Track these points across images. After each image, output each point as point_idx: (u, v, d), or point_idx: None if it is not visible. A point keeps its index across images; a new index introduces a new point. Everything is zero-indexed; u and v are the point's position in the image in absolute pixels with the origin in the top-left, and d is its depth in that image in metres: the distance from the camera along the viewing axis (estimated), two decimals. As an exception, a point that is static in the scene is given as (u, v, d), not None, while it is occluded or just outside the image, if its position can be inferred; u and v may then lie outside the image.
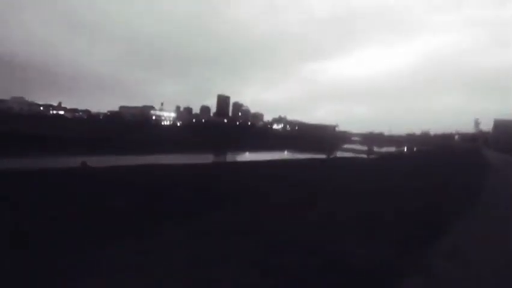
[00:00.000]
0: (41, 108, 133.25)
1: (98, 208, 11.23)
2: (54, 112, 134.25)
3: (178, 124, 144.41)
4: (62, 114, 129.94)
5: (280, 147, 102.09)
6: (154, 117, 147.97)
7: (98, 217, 10.07)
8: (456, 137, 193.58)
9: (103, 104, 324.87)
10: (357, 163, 43.65)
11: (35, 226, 8.56)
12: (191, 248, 6.99)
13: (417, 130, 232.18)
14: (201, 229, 8.73)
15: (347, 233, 8.27)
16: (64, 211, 10.44)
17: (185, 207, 11.88)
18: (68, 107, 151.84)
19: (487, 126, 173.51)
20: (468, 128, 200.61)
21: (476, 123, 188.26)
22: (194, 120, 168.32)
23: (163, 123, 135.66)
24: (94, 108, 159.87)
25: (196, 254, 6.50)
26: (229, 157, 68.06)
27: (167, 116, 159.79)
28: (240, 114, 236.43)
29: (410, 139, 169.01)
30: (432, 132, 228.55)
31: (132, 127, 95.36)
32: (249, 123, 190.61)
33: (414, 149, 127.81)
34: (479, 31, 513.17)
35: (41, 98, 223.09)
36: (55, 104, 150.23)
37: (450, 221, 9.94)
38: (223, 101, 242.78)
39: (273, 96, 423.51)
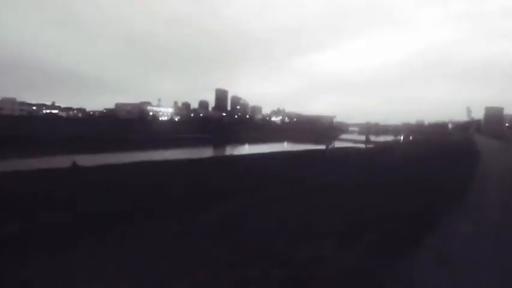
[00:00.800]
0: (34, 108, 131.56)
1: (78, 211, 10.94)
2: (48, 111, 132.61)
3: (176, 119, 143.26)
4: (56, 113, 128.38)
5: (279, 139, 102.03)
6: (151, 113, 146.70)
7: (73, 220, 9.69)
8: (449, 125, 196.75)
9: (99, 101, 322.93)
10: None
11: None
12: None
13: (412, 119, 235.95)
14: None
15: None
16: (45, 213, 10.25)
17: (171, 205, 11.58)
18: (63, 105, 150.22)
19: (479, 114, 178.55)
20: (461, 116, 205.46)
21: (468, 112, 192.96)
22: (192, 115, 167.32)
23: (160, 119, 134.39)
24: (90, 106, 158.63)
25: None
26: (228, 150, 67.42)
27: (165, 112, 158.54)
28: (238, 107, 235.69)
29: (405, 128, 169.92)
30: (426, 121, 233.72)
31: (127, 124, 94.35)
32: (247, 116, 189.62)
33: (410, 137, 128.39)
34: (468, 24, 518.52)
35: (35, 97, 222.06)
36: (49, 103, 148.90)
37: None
38: (221, 95, 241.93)
39: (271, 90, 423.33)
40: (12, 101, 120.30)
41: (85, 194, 14.02)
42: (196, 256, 6.47)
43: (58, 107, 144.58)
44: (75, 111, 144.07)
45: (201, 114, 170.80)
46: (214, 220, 9.43)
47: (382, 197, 12.55)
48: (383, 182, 16.34)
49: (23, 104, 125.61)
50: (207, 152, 48.19)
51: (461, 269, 6.10)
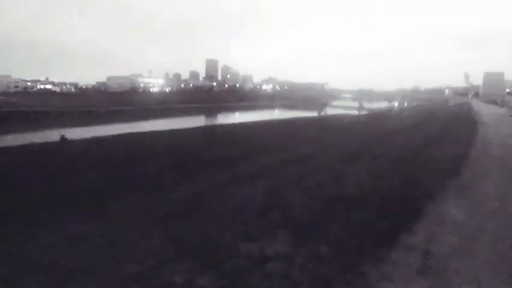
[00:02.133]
0: (28, 83, 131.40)
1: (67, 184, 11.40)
2: (42, 87, 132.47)
3: (167, 90, 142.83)
4: (49, 89, 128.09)
5: (270, 107, 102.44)
6: (142, 85, 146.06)
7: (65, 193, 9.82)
8: (446, 91, 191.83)
9: (92, 75, 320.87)
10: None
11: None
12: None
13: (407, 86, 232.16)
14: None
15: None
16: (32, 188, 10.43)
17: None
18: (56, 81, 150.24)
19: (477, 80, 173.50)
20: (458, 82, 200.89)
21: (467, 77, 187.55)
22: (183, 86, 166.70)
23: (151, 91, 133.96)
24: (83, 81, 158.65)
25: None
26: (218, 120, 67.82)
27: (156, 83, 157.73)
28: (228, 77, 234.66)
29: (400, 94, 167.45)
30: (422, 87, 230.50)
31: (118, 96, 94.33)
32: (237, 85, 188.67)
33: (405, 104, 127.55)
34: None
35: (30, 74, 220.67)
36: (43, 79, 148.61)
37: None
38: (211, 65, 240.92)
39: (262, 59, 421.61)
40: (7, 78, 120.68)
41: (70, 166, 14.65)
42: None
43: (52, 83, 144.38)
44: (68, 86, 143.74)
45: (191, 85, 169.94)
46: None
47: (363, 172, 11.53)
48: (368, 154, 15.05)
49: (18, 81, 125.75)
50: (197, 122, 48.55)
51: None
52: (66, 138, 28.57)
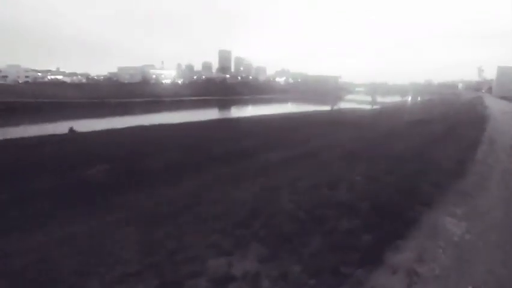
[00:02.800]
0: (39, 74, 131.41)
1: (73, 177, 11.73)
2: (52, 77, 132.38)
3: (180, 82, 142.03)
4: (60, 79, 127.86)
5: (283, 100, 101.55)
6: (154, 76, 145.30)
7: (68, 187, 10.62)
8: (460, 85, 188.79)
9: (103, 66, 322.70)
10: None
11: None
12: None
13: (421, 79, 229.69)
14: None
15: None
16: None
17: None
18: (67, 71, 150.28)
19: (491, 74, 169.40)
20: (472, 76, 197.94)
21: (480, 71, 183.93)
22: (195, 77, 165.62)
23: (163, 82, 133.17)
24: (94, 71, 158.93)
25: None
26: (230, 113, 67.07)
27: (168, 75, 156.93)
28: (241, 69, 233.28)
29: (413, 88, 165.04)
30: (436, 81, 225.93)
31: (129, 88, 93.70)
32: (251, 77, 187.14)
33: (418, 98, 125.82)
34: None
35: (41, 64, 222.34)
36: (54, 69, 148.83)
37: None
38: (224, 56, 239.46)
39: (276, 51, 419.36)
40: (16, 68, 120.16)
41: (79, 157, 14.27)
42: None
43: (63, 73, 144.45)
44: (79, 77, 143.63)
45: (203, 77, 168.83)
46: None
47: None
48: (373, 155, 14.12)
49: (28, 70, 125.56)
50: (208, 115, 47.77)
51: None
52: (74, 130, 28.11)
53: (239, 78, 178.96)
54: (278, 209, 7.24)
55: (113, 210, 8.58)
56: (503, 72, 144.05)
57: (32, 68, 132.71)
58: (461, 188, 8.91)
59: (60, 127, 30.88)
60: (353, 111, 52.27)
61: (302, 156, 14.09)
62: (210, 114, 51.48)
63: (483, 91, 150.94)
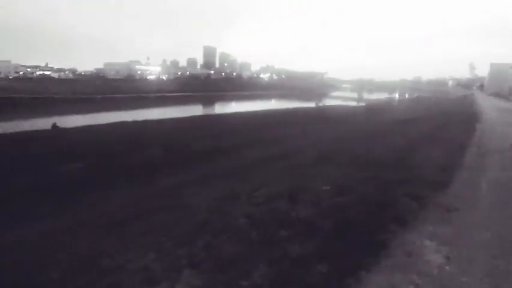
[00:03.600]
0: (28, 69, 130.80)
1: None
2: (40, 73, 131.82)
3: (164, 78, 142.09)
4: (48, 75, 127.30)
5: (267, 97, 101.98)
6: (139, 72, 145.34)
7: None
8: (450, 82, 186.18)
9: (91, 62, 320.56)
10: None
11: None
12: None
13: (409, 76, 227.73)
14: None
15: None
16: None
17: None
18: (56, 67, 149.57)
19: (483, 71, 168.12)
20: (463, 73, 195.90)
21: (471, 68, 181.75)
22: (179, 73, 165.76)
23: (148, 78, 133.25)
24: (82, 67, 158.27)
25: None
26: (213, 109, 67.73)
27: (153, 70, 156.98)
28: (226, 64, 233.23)
29: (401, 85, 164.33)
30: (425, 78, 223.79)
31: (114, 83, 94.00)
32: (234, 74, 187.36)
33: (406, 95, 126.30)
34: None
35: (30, 60, 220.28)
36: (43, 65, 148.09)
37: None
38: (209, 52, 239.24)
39: (261, 47, 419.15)
40: (7, 64, 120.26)
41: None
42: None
43: (51, 69, 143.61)
44: (66, 72, 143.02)
45: (188, 72, 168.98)
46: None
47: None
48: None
49: (17, 66, 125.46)
50: (189, 111, 48.43)
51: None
52: (58, 126, 28.68)
53: (223, 74, 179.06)
54: (228, 225, 6.51)
55: (71, 212, 8.37)
56: (496, 69, 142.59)
57: (23, 64, 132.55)
58: (444, 202, 7.82)
59: (45, 123, 31.27)
60: (337, 108, 52.60)
61: (275, 158, 13.62)
62: (192, 110, 52.05)
63: (474, 88, 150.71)
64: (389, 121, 28.80)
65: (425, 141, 16.66)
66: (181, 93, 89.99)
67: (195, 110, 55.15)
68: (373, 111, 44.94)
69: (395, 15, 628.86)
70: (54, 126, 28.66)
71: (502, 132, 21.42)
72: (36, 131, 26.00)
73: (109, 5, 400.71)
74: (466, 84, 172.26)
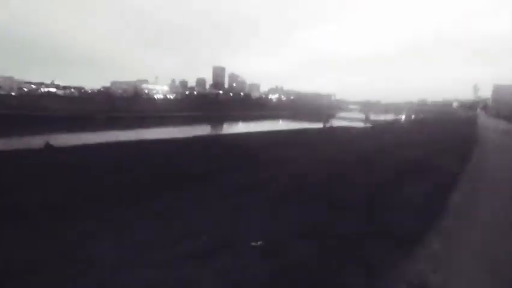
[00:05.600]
0: (33, 86, 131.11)
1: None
2: (45, 90, 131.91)
3: (172, 97, 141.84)
4: (52, 92, 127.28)
5: (275, 117, 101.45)
6: (146, 91, 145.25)
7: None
8: (454, 104, 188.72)
9: (99, 80, 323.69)
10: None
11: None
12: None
13: (415, 98, 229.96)
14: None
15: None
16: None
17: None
18: (62, 84, 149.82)
19: (487, 92, 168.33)
20: (467, 94, 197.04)
21: (475, 90, 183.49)
22: (187, 93, 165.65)
23: (155, 97, 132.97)
24: (89, 85, 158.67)
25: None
26: (218, 129, 66.64)
27: (160, 90, 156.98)
28: (234, 85, 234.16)
29: (407, 107, 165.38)
30: (430, 99, 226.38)
31: (120, 102, 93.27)
32: (242, 94, 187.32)
33: (412, 116, 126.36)
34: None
35: (38, 77, 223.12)
36: (48, 82, 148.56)
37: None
38: (218, 72, 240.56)
39: (270, 68, 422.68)
40: (10, 80, 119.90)
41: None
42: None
43: (57, 86, 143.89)
44: (72, 90, 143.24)
45: (195, 92, 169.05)
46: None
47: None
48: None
49: (21, 82, 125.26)
50: (193, 131, 47.11)
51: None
52: (51, 145, 27.31)
53: (231, 94, 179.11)
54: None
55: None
56: (499, 90, 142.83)
57: (29, 80, 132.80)
58: (413, 270, 5.88)
59: (40, 141, 30.14)
60: (342, 129, 51.79)
61: (250, 187, 11.62)
62: (196, 130, 50.81)
63: (478, 110, 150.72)
64: (385, 144, 26.88)
65: (413, 171, 14.69)
66: (187, 113, 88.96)
67: (199, 130, 53.80)
68: (374, 132, 44.76)
69: (397, 35, 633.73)
70: (47, 145, 27.39)
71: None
72: (27, 150, 24.81)
73: (119, 24, 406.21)
74: (470, 106, 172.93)
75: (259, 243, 6.76)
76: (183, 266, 5.87)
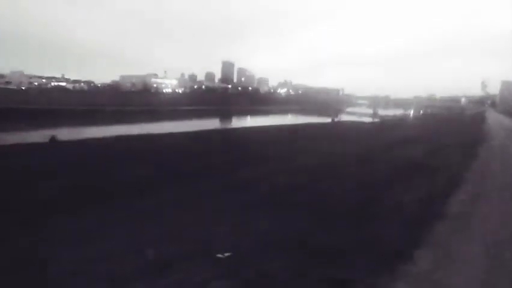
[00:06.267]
0: (43, 80, 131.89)
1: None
2: (55, 84, 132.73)
3: (180, 91, 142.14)
4: (62, 86, 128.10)
5: (283, 112, 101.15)
6: (155, 85, 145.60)
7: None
8: (463, 99, 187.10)
9: (110, 74, 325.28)
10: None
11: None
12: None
13: (424, 93, 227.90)
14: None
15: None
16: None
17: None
18: (72, 78, 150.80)
19: (495, 88, 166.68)
20: (475, 90, 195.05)
21: (484, 86, 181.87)
22: (196, 87, 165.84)
23: (164, 91, 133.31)
24: (100, 79, 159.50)
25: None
26: (226, 123, 66.50)
27: (169, 84, 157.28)
28: (243, 79, 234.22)
29: (416, 102, 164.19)
30: (438, 95, 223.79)
31: (128, 95, 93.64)
32: (250, 88, 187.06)
33: (421, 112, 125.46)
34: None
35: (48, 71, 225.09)
36: (59, 76, 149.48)
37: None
38: (227, 67, 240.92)
39: (279, 62, 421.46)
40: (20, 74, 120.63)
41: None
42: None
43: (67, 80, 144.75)
44: (82, 84, 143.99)
45: (203, 87, 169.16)
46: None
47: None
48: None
49: (32, 77, 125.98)
50: (200, 125, 47.07)
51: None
52: (55, 139, 27.47)
53: (239, 89, 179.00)
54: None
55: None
56: (507, 86, 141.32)
57: (38, 74, 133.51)
58: None
59: (47, 134, 30.26)
60: (349, 124, 51.68)
61: (242, 186, 11.13)
62: (203, 124, 50.77)
63: (486, 106, 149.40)
64: (390, 140, 26.36)
65: (414, 169, 13.98)
66: (195, 107, 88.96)
67: (206, 124, 53.79)
68: (384, 128, 44.63)
69: (409, 29, 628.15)
70: (52, 138, 27.56)
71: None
72: (32, 144, 24.96)
73: (130, 18, 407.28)
74: (478, 102, 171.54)
75: (226, 255, 5.70)
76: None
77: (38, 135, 30.46)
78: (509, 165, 16.50)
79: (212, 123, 62.64)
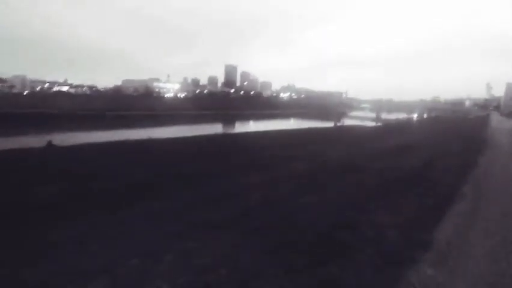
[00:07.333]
0: (46, 85, 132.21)
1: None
2: (58, 88, 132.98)
3: (182, 96, 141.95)
4: (63, 90, 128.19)
5: (286, 116, 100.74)
6: (157, 90, 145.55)
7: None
8: (467, 102, 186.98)
9: (112, 79, 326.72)
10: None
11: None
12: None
13: (428, 96, 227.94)
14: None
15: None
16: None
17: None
18: (75, 83, 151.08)
19: (500, 91, 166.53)
20: (480, 92, 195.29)
21: (488, 88, 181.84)
22: (198, 91, 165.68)
23: (166, 95, 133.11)
24: (102, 84, 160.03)
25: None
26: (227, 128, 66.07)
27: (172, 88, 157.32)
28: (246, 83, 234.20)
29: (420, 105, 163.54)
30: (442, 98, 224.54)
31: (130, 100, 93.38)
32: (252, 93, 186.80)
33: (425, 115, 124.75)
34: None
35: (51, 76, 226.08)
36: (61, 80, 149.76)
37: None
38: (230, 71, 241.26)
39: (282, 66, 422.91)
40: (22, 78, 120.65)
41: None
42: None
43: (70, 84, 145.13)
44: (84, 88, 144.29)
45: (206, 91, 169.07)
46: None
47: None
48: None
49: (34, 81, 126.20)
50: (201, 130, 46.62)
51: None
52: (53, 144, 27.04)
53: (242, 93, 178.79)
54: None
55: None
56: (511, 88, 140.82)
57: (41, 78, 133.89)
58: None
59: (45, 139, 29.87)
60: (350, 128, 50.96)
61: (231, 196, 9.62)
62: (204, 129, 50.32)
63: (490, 109, 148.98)
64: (388, 146, 24.22)
65: (409, 181, 12.43)
66: (197, 111, 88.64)
67: (207, 129, 53.37)
68: (382, 131, 43.79)
69: (411, 30, 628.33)
70: (49, 144, 27.11)
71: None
72: (28, 149, 24.51)
73: (132, 23, 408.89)
74: (483, 105, 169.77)
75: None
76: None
77: (38, 141, 30.18)
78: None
79: (213, 128, 62.39)
